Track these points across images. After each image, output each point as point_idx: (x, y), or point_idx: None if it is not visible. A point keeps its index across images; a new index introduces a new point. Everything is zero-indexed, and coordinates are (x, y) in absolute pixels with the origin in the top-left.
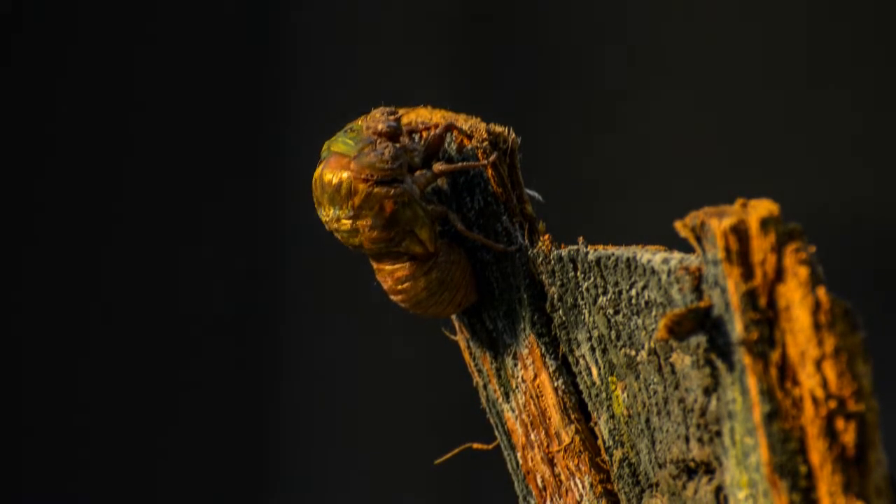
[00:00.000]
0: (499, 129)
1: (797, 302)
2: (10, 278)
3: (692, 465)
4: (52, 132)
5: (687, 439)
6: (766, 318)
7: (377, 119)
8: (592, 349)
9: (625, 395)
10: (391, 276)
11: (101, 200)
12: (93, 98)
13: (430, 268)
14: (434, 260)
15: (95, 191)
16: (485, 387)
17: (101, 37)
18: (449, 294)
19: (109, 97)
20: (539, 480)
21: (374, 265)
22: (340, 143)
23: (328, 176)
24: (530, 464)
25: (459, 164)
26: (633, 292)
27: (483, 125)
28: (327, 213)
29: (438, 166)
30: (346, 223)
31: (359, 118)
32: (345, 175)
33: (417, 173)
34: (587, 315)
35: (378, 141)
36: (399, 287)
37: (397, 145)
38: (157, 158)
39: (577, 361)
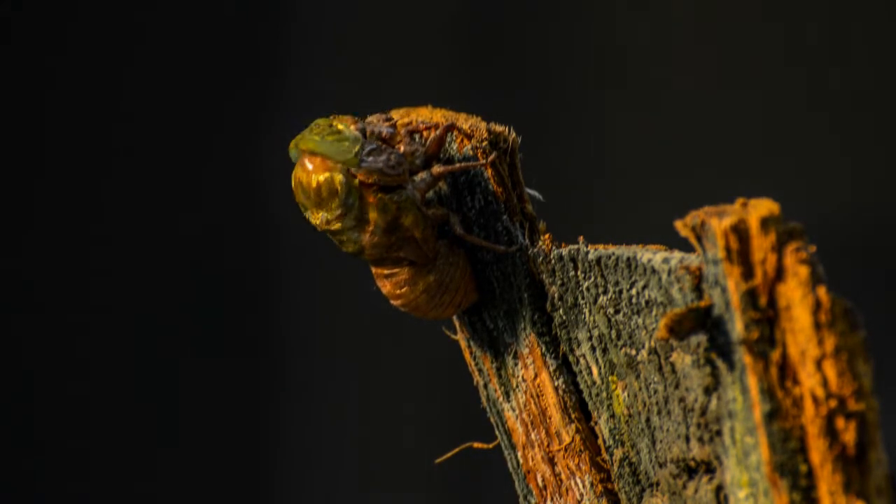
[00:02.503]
0: (499, 128)
1: (797, 301)
2: (7, 280)
3: (692, 464)
4: (47, 151)
5: (687, 438)
6: (767, 317)
7: (377, 124)
8: (593, 348)
9: (625, 394)
10: (390, 280)
11: (96, 203)
12: (82, 95)
13: (429, 271)
14: (433, 263)
15: (90, 192)
16: (485, 386)
17: (91, 28)
18: (448, 296)
19: (97, 99)
20: (539, 480)
21: (373, 270)
22: (308, 141)
23: (305, 179)
24: (531, 463)
25: (458, 164)
26: (634, 291)
27: (483, 124)
28: (316, 217)
29: (438, 168)
30: (337, 224)
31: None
32: (322, 178)
33: (418, 178)
34: (587, 314)
35: (381, 146)
36: (398, 291)
37: (399, 150)
38: (155, 161)
39: (578, 361)
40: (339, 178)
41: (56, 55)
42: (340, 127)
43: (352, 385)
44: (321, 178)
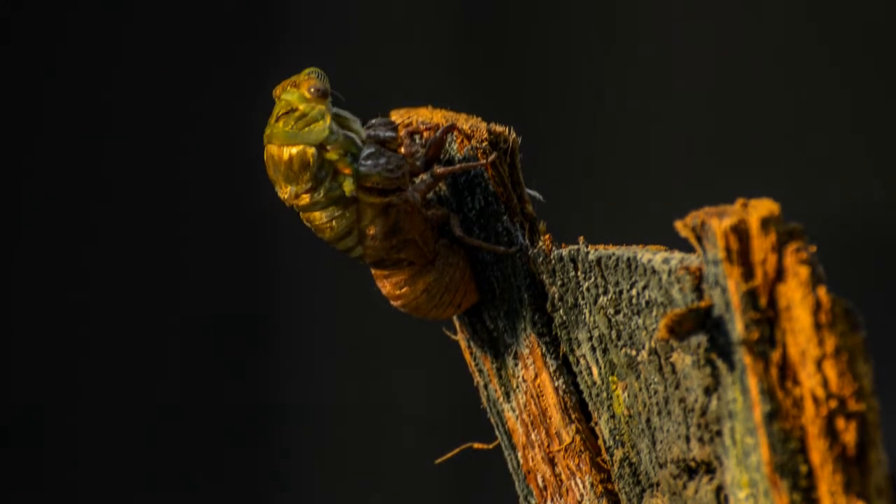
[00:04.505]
0: (499, 128)
1: (798, 301)
2: (5, 282)
3: (693, 464)
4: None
5: (687, 439)
6: (767, 317)
7: (377, 127)
8: (593, 349)
9: (625, 394)
10: (390, 281)
11: (95, 202)
12: (80, 99)
13: (428, 272)
14: (433, 264)
15: (89, 191)
16: (485, 386)
17: (87, 26)
18: (448, 296)
19: (97, 101)
20: (540, 480)
21: (373, 271)
22: (279, 136)
23: (277, 153)
24: (531, 463)
25: (459, 165)
26: (634, 292)
27: (484, 125)
28: (285, 191)
29: (438, 170)
30: (306, 198)
31: (279, 87)
32: (294, 150)
33: (419, 179)
34: (588, 315)
35: (380, 150)
36: (398, 292)
37: (399, 152)
38: (152, 161)
39: (578, 361)
40: (311, 150)
41: (48, 49)
42: (302, 107)
43: (351, 385)
44: (293, 150)
